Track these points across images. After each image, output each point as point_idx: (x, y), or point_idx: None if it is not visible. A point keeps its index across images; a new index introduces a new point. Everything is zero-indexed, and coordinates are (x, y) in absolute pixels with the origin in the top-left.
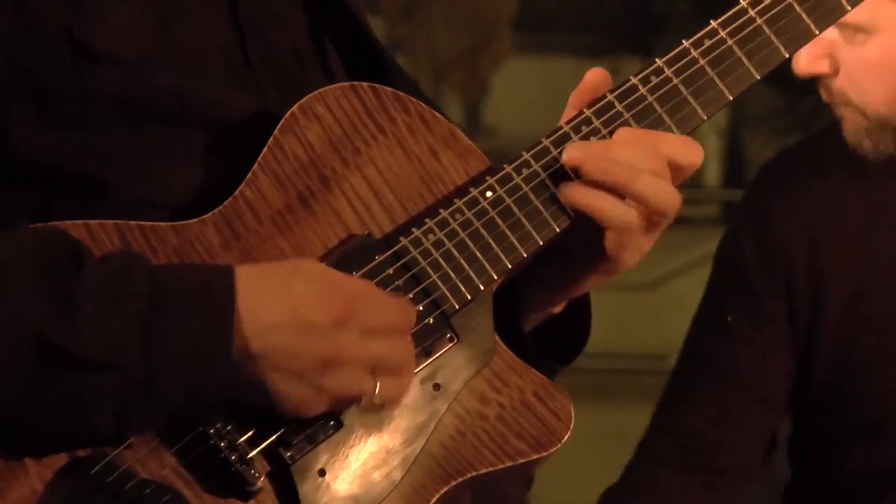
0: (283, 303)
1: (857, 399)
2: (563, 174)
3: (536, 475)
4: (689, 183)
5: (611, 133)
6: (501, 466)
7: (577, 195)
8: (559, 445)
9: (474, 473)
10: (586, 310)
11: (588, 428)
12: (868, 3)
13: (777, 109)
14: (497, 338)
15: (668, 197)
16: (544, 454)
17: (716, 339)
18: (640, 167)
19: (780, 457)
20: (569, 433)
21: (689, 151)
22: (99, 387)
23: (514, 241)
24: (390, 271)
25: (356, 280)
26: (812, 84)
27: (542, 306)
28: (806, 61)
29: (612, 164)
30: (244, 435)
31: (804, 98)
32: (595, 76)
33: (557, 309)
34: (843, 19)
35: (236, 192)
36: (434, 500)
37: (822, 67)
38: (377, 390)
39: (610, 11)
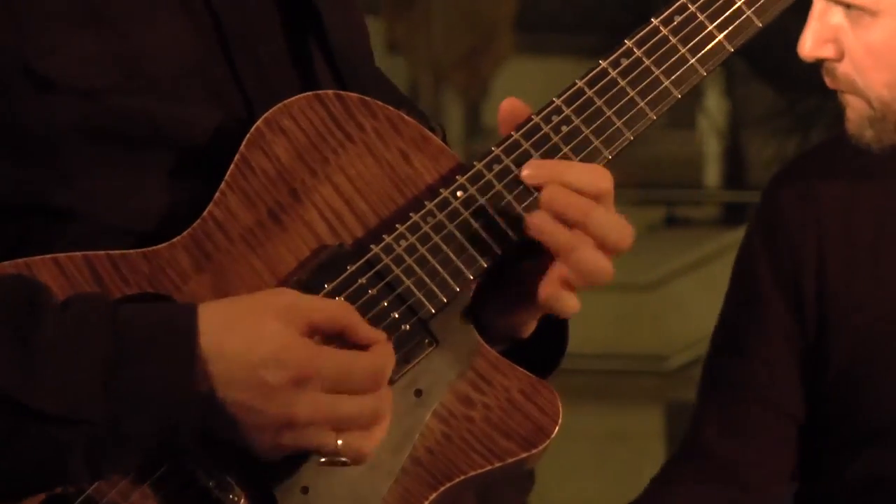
0: (245, 361)
1: (867, 405)
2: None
3: (537, 476)
4: (689, 184)
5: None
6: (490, 468)
7: (548, 231)
8: (548, 442)
9: (463, 477)
10: (562, 329)
11: (588, 428)
12: None
13: (777, 110)
14: (478, 337)
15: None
16: (534, 451)
17: (730, 354)
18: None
19: None
20: (557, 428)
21: (596, 178)
22: (67, 440)
23: (489, 239)
24: (363, 280)
25: (332, 313)
26: (812, 85)
27: (504, 331)
28: (811, 45)
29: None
30: (221, 460)
31: (804, 99)
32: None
33: (525, 333)
34: (850, 0)
35: (205, 213)
36: None
37: (827, 52)
38: (340, 447)
39: (610, 12)
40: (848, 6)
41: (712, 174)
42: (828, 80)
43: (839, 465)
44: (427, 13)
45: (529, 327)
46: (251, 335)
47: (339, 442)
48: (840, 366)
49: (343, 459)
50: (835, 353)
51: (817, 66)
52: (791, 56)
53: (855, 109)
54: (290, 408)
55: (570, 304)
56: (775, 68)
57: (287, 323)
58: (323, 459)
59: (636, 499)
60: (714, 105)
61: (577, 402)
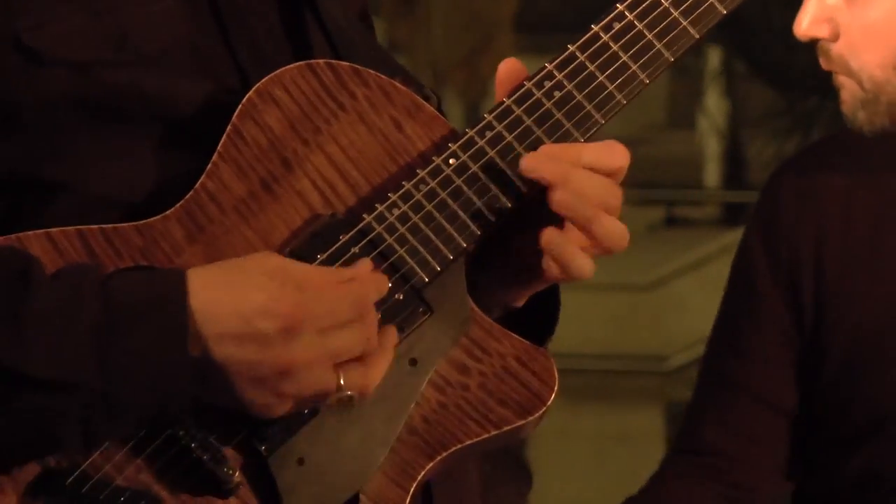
0: (237, 313)
1: (864, 400)
2: (528, 133)
3: (537, 476)
4: (689, 184)
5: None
6: (486, 435)
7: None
8: (544, 409)
9: (459, 445)
10: (552, 303)
11: (588, 428)
12: None
13: (777, 110)
14: (473, 305)
15: (622, 237)
16: (530, 419)
17: (726, 351)
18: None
19: None
20: (553, 395)
21: (611, 156)
22: (59, 405)
23: (482, 206)
24: (356, 250)
25: (311, 273)
26: (812, 85)
27: (498, 303)
28: (807, 24)
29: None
30: (215, 432)
31: (804, 99)
32: (508, 66)
33: (518, 303)
34: None
35: (197, 185)
36: (421, 476)
37: (822, 31)
38: (343, 383)
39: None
40: None
41: (712, 174)
42: (822, 61)
43: (837, 461)
44: (427, 13)
45: (522, 299)
46: (240, 289)
47: (342, 380)
48: (837, 361)
49: (349, 394)
50: (832, 348)
51: (817, 66)
52: (791, 56)
53: (848, 91)
54: (286, 354)
55: (584, 265)
56: (775, 68)
57: (274, 279)
58: (330, 399)
59: (633, 495)
60: (714, 105)
61: (577, 402)
